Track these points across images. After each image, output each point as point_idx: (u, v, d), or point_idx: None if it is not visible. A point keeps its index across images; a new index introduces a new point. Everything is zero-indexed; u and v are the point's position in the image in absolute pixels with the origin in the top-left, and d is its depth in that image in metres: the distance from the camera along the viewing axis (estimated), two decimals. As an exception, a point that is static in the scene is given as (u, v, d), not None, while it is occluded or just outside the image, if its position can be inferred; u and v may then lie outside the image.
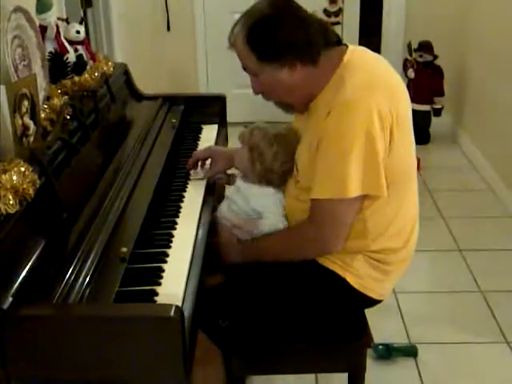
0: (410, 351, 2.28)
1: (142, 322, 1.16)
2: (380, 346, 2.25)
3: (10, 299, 1.14)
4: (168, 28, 4.32)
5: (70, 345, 1.16)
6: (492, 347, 2.34)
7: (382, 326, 2.21)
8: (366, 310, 1.74)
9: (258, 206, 1.69)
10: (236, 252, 1.67)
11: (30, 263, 1.23)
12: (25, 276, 1.20)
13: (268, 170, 1.67)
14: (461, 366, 2.23)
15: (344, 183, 1.46)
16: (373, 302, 1.69)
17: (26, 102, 1.46)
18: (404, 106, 1.54)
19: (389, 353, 2.25)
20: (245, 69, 1.59)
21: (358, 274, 1.61)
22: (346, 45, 1.59)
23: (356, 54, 1.56)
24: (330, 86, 1.53)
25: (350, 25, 4.41)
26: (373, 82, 1.50)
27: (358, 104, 1.44)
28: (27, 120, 1.46)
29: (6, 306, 1.12)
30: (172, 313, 1.13)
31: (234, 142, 1.92)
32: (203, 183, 1.88)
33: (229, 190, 1.80)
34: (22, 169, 1.32)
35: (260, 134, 1.69)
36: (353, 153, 1.44)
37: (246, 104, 4.09)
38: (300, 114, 1.67)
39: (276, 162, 1.66)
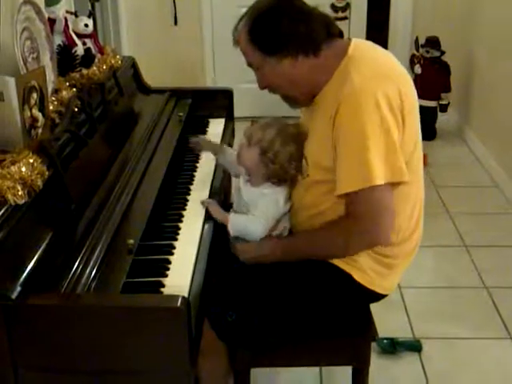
0: (415, 346, 2.29)
1: (148, 313, 1.17)
2: (384, 341, 2.25)
3: (19, 289, 1.15)
4: (175, 22, 4.32)
5: (76, 334, 1.17)
6: (496, 343, 2.34)
7: (386, 321, 2.22)
8: (371, 305, 1.74)
9: (248, 204, 1.66)
10: (268, 249, 1.64)
11: (37, 254, 1.24)
12: (33, 266, 1.21)
13: (282, 170, 1.62)
14: (465, 361, 2.23)
15: (369, 171, 1.45)
16: (378, 297, 1.69)
17: (34, 95, 1.47)
18: (410, 96, 1.54)
19: (393, 347, 2.25)
20: (250, 65, 1.60)
21: (363, 269, 1.61)
22: (349, 38, 1.61)
23: (361, 46, 1.57)
24: (335, 78, 1.54)
25: (357, 20, 4.40)
26: (379, 72, 1.51)
27: (366, 92, 1.45)
28: (36, 112, 1.48)
29: (14, 295, 1.14)
30: (179, 303, 1.14)
31: (240, 137, 1.92)
32: (209, 177, 1.89)
33: (232, 195, 1.78)
34: (31, 160, 1.33)
35: (273, 133, 1.63)
36: (370, 142, 1.44)
37: (252, 98, 4.09)
38: (305, 106, 1.68)
39: (292, 163, 1.62)
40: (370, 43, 1.63)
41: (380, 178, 1.46)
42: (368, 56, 1.56)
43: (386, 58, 1.60)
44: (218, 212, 1.68)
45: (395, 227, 1.59)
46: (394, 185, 1.51)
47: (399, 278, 1.73)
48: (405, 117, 1.49)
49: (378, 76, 1.49)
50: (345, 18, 4.31)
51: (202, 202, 1.71)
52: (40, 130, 1.49)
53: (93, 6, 2.93)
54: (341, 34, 1.61)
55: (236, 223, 1.66)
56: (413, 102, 1.55)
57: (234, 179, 1.82)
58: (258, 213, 1.63)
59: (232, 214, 1.68)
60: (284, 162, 1.62)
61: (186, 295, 1.27)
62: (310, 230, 1.63)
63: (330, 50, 1.55)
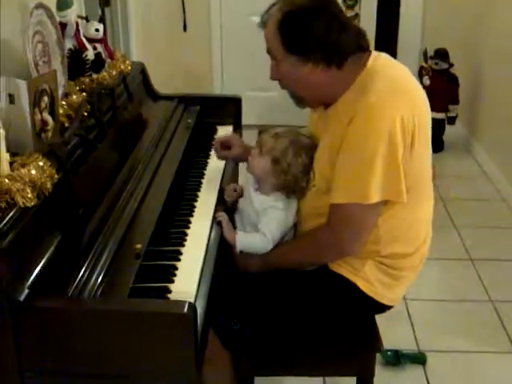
0: (419, 358, 2.27)
1: (155, 318, 1.17)
2: (389, 352, 2.24)
3: (26, 291, 1.15)
4: (184, 28, 4.34)
5: (83, 338, 1.17)
6: (501, 357, 2.32)
7: (391, 333, 2.20)
8: (377, 316, 1.73)
9: (259, 211, 1.66)
10: (254, 261, 1.66)
11: (45, 257, 1.24)
12: (41, 269, 1.21)
13: (294, 182, 1.62)
14: (469, 375, 2.22)
15: (366, 189, 1.45)
16: (383, 308, 1.68)
17: (45, 98, 1.48)
18: (425, 114, 1.54)
19: (397, 359, 2.24)
20: (269, 52, 1.57)
21: (369, 280, 1.61)
22: (369, 50, 1.58)
23: (379, 60, 1.55)
24: (352, 91, 1.52)
25: (366, 31, 4.40)
26: (396, 89, 1.50)
27: (382, 110, 1.44)
28: (46, 115, 1.48)
29: (22, 297, 1.14)
30: (186, 309, 1.14)
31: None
32: (217, 184, 1.89)
33: (241, 201, 1.76)
34: (41, 163, 1.34)
35: (286, 143, 1.63)
36: (375, 158, 1.44)
37: (260, 106, 4.10)
38: (312, 109, 1.67)
39: (305, 174, 1.62)
40: (386, 56, 1.61)
41: (375, 197, 1.46)
42: (386, 71, 1.53)
43: (403, 72, 1.58)
44: (227, 230, 1.66)
45: (404, 241, 1.59)
46: (385, 203, 1.51)
47: (405, 289, 1.73)
48: (414, 139, 1.47)
49: (395, 93, 1.48)
50: (353, 29, 4.31)
51: (216, 217, 1.69)
52: (50, 134, 1.49)
53: (103, 11, 2.94)
54: (368, 48, 1.58)
55: (243, 243, 1.65)
56: (426, 119, 1.54)
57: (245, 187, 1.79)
58: (266, 231, 1.63)
59: (239, 235, 1.66)
60: (297, 173, 1.62)
61: (192, 301, 1.27)
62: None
63: (352, 64, 1.52)
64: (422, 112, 1.51)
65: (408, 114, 1.45)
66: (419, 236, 1.65)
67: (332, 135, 1.54)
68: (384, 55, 1.60)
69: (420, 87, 1.59)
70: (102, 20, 2.12)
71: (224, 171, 1.99)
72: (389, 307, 1.69)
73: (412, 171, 1.50)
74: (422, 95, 1.57)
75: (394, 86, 1.51)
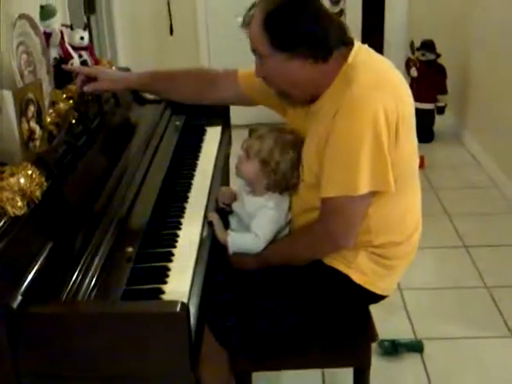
0: (416, 346, 2.29)
1: (148, 319, 1.18)
2: (386, 342, 2.25)
3: (20, 298, 1.16)
4: (171, 32, 4.35)
5: (77, 342, 1.18)
6: (498, 342, 2.34)
7: (387, 322, 2.23)
8: (372, 307, 1.75)
9: (251, 213, 1.69)
10: (248, 259, 1.67)
11: (38, 264, 1.25)
12: (33, 276, 1.22)
13: (284, 179, 1.64)
14: (467, 361, 2.24)
15: (354, 181, 1.47)
16: (377, 298, 1.70)
17: (31, 107, 1.49)
18: (408, 105, 1.55)
19: (395, 348, 2.26)
20: (254, 51, 1.56)
21: (362, 270, 1.62)
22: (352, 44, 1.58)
23: (361, 52, 1.56)
24: (336, 84, 1.54)
25: (352, 25, 4.36)
26: (378, 81, 1.51)
27: (365, 102, 1.46)
28: (33, 124, 1.49)
29: (15, 304, 1.15)
30: (178, 309, 1.15)
31: (238, 145, 1.94)
32: (207, 184, 1.90)
33: (235, 204, 1.78)
34: (29, 172, 1.35)
35: (271, 142, 1.65)
36: (361, 150, 1.45)
37: (248, 107, 4.11)
38: (298, 106, 1.67)
39: (294, 171, 1.63)
40: (367, 48, 1.61)
41: (364, 188, 1.48)
42: (368, 64, 1.54)
43: (384, 64, 1.60)
44: (219, 231, 1.69)
45: (395, 229, 1.61)
46: (374, 194, 1.52)
47: (398, 279, 1.74)
48: (399, 130, 1.49)
49: (378, 86, 1.49)
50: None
51: (207, 217, 1.71)
52: (38, 142, 1.51)
53: (88, 19, 2.95)
54: (352, 43, 1.57)
55: (235, 244, 1.67)
56: (409, 108, 1.55)
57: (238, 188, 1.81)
58: (258, 231, 1.65)
59: (231, 235, 1.68)
60: (286, 171, 1.64)
61: (185, 301, 1.28)
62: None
63: (337, 57, 1.53)
64: (404, 102, 1.53)
65: (391, 105, 1.47)
66: (410, 224, 1.66)
67: (318, 130, 1.55)
68: (365, 47, 1.61)
69: (402, 78, 1.60)
70: (86, 27, 2.13)
71: (213, 172, 2.00)
72: (382, 297, 1.70)
73: (399, 161, 1.51)
74: (404, 86, 1.59)
75: (376, 79, 1.52)
